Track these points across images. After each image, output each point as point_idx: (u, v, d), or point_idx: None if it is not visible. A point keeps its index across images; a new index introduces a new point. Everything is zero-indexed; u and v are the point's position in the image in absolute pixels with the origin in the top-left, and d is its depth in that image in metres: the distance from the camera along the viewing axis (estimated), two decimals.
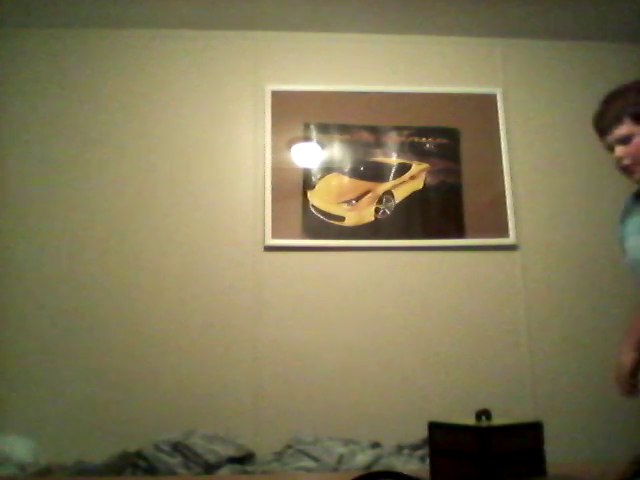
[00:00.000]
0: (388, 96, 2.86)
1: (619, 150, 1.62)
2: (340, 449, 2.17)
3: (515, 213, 2.78)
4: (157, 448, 2.12)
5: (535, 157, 2.87)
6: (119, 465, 2.07)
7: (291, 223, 2.68)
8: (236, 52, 2.87)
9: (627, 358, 1.74)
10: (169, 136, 2.76)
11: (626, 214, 1.77)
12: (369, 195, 2.74)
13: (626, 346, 1.76)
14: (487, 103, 2.89)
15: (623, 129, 1.60)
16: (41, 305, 2.57)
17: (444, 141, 2.83)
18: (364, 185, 2.76)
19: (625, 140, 1.61)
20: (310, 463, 2.09)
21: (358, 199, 2.74)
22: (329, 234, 2.69)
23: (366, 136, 2.81)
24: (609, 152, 1.68)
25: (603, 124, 1.66)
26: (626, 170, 1.63)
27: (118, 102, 2.78)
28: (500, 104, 2.88)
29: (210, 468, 2.06)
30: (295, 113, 2.81)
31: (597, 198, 2.85)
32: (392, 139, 2.82)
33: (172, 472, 2.02)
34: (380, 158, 2.79)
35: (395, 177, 2.77)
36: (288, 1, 2.69)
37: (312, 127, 2.80)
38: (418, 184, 2.78)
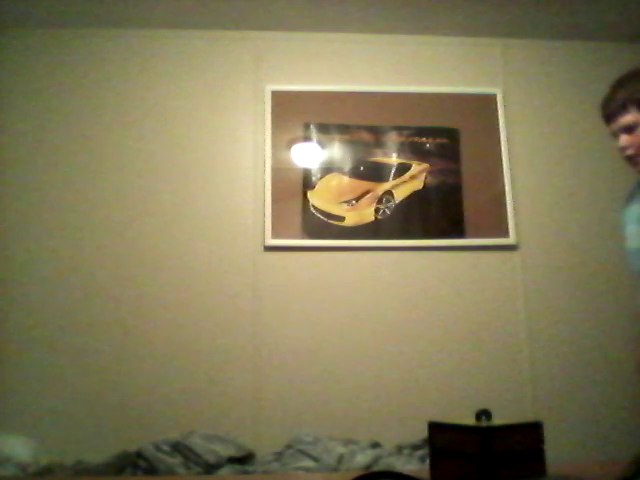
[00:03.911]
0: (388, 96, 2.86)
1: (623, 139, 1.57)
2: (340, 449, 2.17)
3: (515, 213, 2.78)
4: (157, 448, 2.12)
5: (535, 157, 2.87)
6: (119, 465, 2.07)
7: (291, 223, 2.68)
8: (236, 52, 2.87)
9: None
10: (169, 136, 2.76)
11: (629, 199, 1.71)
12: (369, 195, 2.74)
13: None
14: (487, 103, 2.89)
15: (628, 117, 1.54)
16: (41, 305, 2.57)
17: (444, 141, 2.83)
18: (364, 185, 2.76)
19: (630, 129, 1.55)
20: (310, 463, 2.09)
21: (358, 199, 2.74)
22: (329, 234, 2.69)
23: (366, 136, 2.81)
24: (614, 139, 1.62)
25: (609, 111, 1.60)
26: (630, 160, 1.58)
27: (118, 102, 2.78)
28: (500, 104, 2.88)
29: (210, 468, 2.06)
30: (295, 113, 2.81)
31: (597, 198, 2.85)
32: (392, 139, 2.82)
33: (172, 472, 2.02)
34: (380, 158, 2.79)
35: (395, 177, 2.77)
36: (288, 1, 2.69)
37: (312, 127, 2.80)
38: (418, 184, 2.78)
